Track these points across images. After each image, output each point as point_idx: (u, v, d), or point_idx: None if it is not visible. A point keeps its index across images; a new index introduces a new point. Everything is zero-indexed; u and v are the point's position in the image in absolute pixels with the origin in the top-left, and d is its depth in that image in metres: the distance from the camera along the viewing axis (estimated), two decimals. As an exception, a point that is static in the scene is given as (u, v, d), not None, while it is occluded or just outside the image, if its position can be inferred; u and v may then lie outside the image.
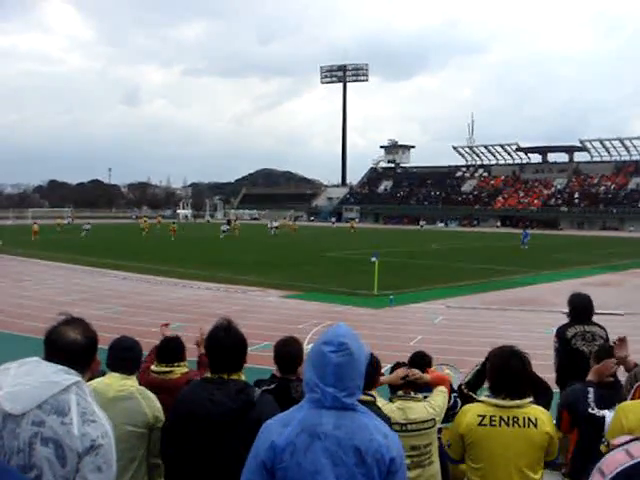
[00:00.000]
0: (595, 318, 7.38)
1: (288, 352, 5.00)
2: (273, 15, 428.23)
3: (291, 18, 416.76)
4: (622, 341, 6.06)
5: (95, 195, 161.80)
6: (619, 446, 1.64)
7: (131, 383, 4.46)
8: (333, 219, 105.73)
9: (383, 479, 2.85)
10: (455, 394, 6.36)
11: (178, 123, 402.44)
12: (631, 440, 1.61)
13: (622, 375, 5.57)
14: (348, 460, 2.81)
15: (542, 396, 4.91)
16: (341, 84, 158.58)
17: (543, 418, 4.25)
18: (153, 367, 5.54)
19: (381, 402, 5.16)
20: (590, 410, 5.02)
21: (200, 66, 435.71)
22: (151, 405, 4.41)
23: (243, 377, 3.96)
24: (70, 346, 2.94)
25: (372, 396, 4.67)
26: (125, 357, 4.55)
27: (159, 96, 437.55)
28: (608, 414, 4.77)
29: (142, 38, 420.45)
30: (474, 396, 5.64)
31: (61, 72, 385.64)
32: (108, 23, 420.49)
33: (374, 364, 4.74)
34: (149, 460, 4.41)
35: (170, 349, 5.54)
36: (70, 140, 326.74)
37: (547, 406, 4.90)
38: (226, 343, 3.89)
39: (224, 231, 69.81)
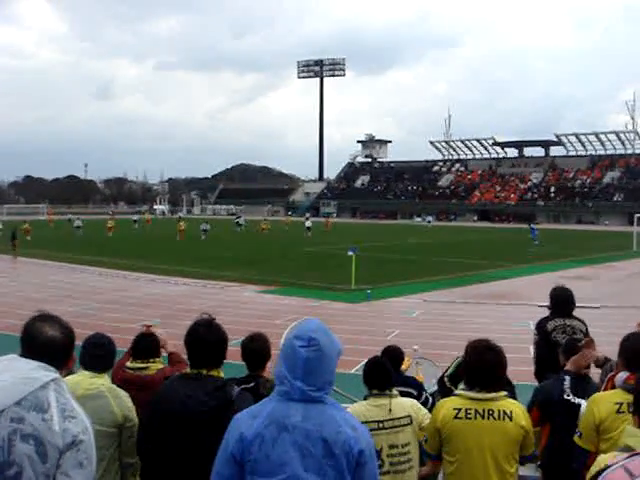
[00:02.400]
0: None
1: (253, 349, 4.97)
2: (246, 9, 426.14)
3: (264, 12, 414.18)
4: (590, 342, 6.13)
5: (71, 191, 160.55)
6: (617, 463, 1.58)
7: (101, 381, 4.40)
8: (307, 214, 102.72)
9: (352, 471, 2.84)
10: (425, 391, 6.39)
11: (153, 117, 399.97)
12: (629, 456, 1.56)
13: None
14: (316, 452, 2.81)
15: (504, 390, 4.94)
16: (317, 79, 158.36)
17: (518, 411, 4.28)
18: (128, 363, 5.51)
19: (357, 401, 5.19)
20: (566, 396, 5.07)
21: (174, 60, 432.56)
22: (121, 404, 4.36)
23: (222, 374, 3.93)
24: (48, 343, 2.92)
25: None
26: (96, 354, 4.48)
27: (133, 90, 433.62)
28: (584, 403, 4.82)
29: (115, 32, 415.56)
30: (453, 389, 5.67)
31: (34, 66, 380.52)
32: (81, 17, 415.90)
33: None
34: (121, 459, 4.38)
35: (145, 345, 5.50)
36: (45, 135, 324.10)
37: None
38: (206, 338, 3.87)
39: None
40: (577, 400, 5.02)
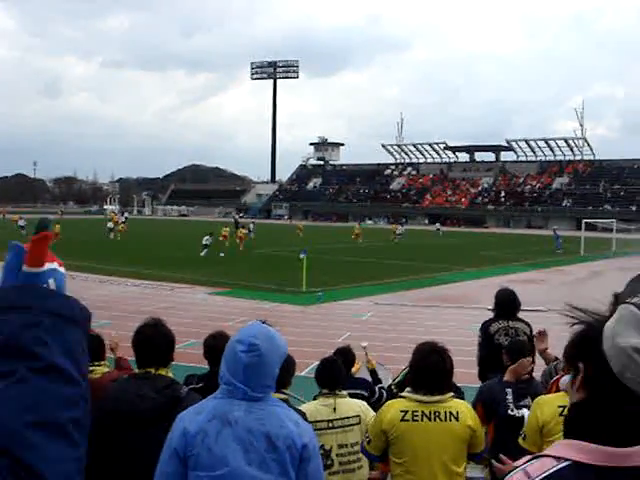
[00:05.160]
0: (519, 314, 7.49)
1: (216, 346, 5.04)
2: (196, 8, 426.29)
3: (214, 11, 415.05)
4: (542, 334, 6.23)
5: (19, 190, 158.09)
6: (519, 467, 1.60)
7: None
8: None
9: (296, 466, 2.87)
10: (380, 385, 6.42)
11: (103, 116, 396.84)
12: (531, 458, 1.58)
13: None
14: (259, 446, 2.84)
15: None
16: (271, 80, 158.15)
17: (465, 411, 4.31)
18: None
19: (306, 401, 5.19)
20: (510, 412, 5.15)
21: (122, 58, 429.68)
22: None
23: (170, 374, 3.99)
24: None
25: (286, 394, 4.71)
26: None
27: (82, 88, 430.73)
28: (527, 413, 4.89)
29: (64, 28, 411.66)
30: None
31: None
32: (30, 12, 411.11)
33: (288, 364, 4.76)
34: None
35: (88, 348, 5.35)
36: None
37: None
38: (153, 338, 3.95)
39: None
40: (520, 413, 5.10)
